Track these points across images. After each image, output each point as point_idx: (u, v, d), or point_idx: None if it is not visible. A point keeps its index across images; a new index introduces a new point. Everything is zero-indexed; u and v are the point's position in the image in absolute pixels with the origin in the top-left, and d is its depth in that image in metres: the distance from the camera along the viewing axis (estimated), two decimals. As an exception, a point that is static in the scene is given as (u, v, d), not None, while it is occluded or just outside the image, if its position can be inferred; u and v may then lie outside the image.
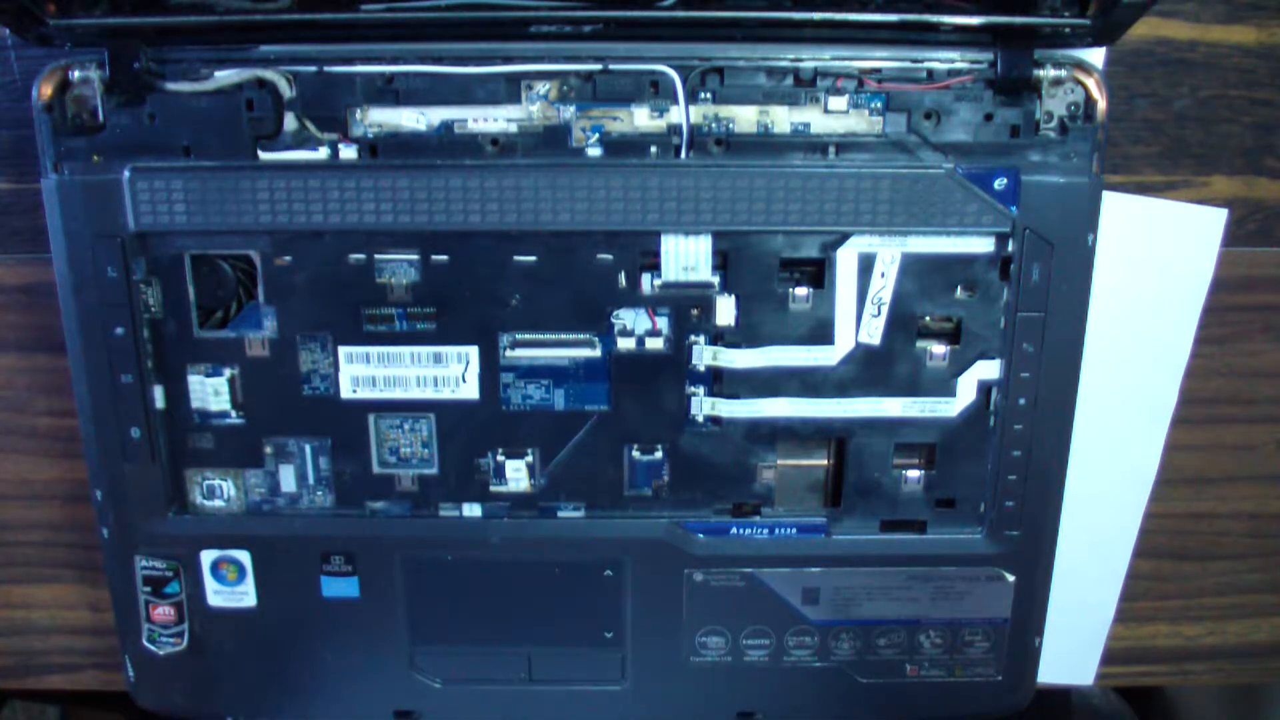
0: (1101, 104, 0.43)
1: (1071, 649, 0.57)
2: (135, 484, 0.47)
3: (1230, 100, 0.48)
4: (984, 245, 0.45)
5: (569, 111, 0.44)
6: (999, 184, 0.44)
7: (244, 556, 0.48)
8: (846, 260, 0.45)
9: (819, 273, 0.45)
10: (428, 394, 0.46)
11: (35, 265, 0.49)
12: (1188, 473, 0.54)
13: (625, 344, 0.46)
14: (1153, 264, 0.50)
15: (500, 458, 0.47)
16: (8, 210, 0.49)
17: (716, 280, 0.45)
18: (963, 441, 0.47)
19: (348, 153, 0.44)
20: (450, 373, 0.46)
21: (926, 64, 0.43)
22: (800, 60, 0.43)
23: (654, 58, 0.43)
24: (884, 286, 0.45)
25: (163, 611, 0.49)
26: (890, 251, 0.45)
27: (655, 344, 0.46)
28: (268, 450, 0.47)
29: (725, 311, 0.45)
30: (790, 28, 0.42)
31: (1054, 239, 0.44)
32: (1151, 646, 0.57)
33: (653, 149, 0.44)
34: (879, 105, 0.44)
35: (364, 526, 0.48)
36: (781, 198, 0.44)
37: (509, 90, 0.44)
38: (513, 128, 0.44)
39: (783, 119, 0.44)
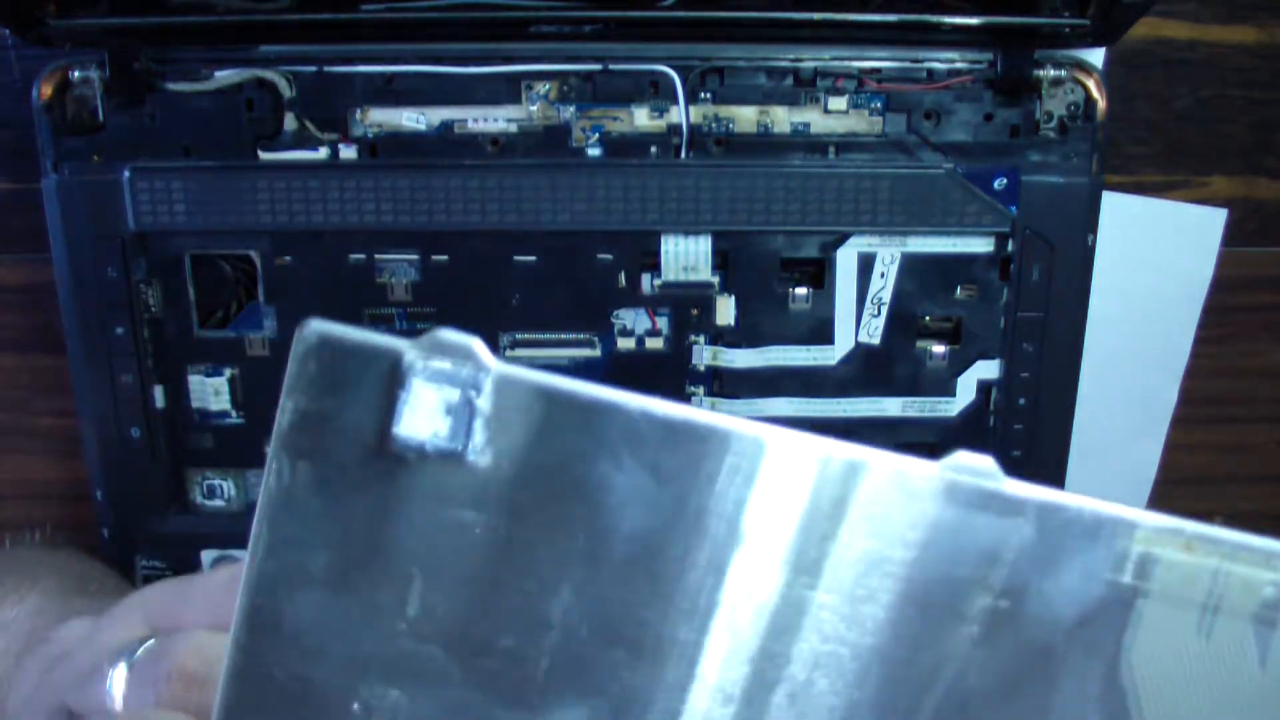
0: (1101, 104, 0.43)
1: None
2: (135, 484, 0.47)
3: (1230, 100, 0.48)
4: (984, 245, 0.45)
5: (569, 111, 0.44)
6: (999, 184, 0.44)
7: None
8: (846, 260, 0.45)
9: (819, 273, 0.45)
10: (428, 394, 0.46)
11: (35, 265, 0.49)
12: (1188, 473, 0.54)
13: (625, 344, 0.46)
14: (1153, 264, 0.50)
15: (500, 458, 0.47)
16: (8, 210, 0.49)
17: (716, 280, 0.45)
18: (962, 441, 0.46)
19: (348, 153, 0.44)
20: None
21: (926, 64, 0.43)
22: (800, 60, 0.43)
23: (654, 58, 0.43)
24: (884, 286, 0.45)
25: (163, 611, 0.49)
26: (890, 251, 0.45)
27: (655, 344, 0.46)
28: (268, 450, 0.47)
29: (725, 311, 0.45)
30: (790, 28, 0.42)
31: (1054, 239, 0.44)
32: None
33: (653, 149, 0.44)
34: (879, 105, 0.44)
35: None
36: (781, 198, 0.44)
37: (509, 90, 0.44)
38: (513, 128, 0.44)
39: (783, 119, 0.44)
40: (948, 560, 0.17)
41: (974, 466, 0.17)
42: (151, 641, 0.26)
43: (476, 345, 0.17)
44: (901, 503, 0.17)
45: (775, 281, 0.45)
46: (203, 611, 0.27)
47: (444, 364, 0.17)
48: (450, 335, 0.17)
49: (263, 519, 0.18)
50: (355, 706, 0.18)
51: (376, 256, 0.45)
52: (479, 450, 0.17)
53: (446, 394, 0.17)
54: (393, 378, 0.17)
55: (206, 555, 0.48)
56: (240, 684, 0.18)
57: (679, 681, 0.18)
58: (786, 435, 0.18)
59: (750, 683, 0.18)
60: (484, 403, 0.17)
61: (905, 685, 0.18)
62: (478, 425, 0.17)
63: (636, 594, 0.18)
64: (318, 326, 0.18)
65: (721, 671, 0.18)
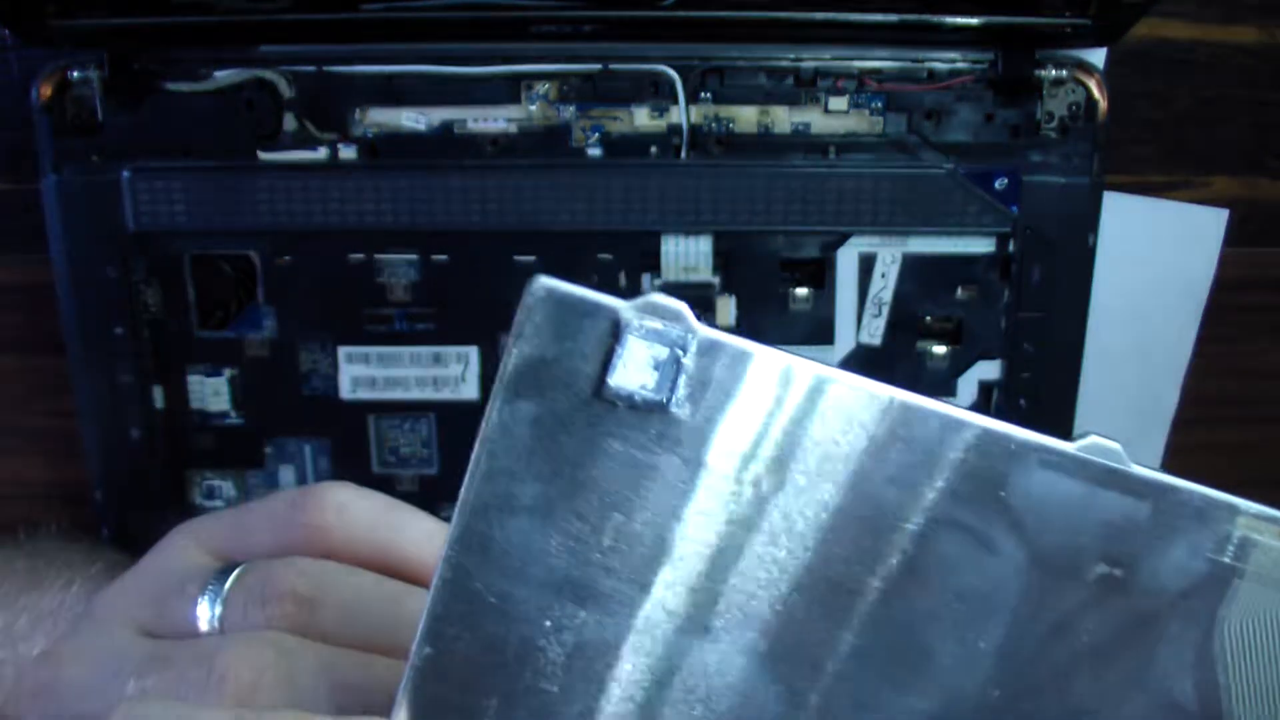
0: (1102, 104, 0.43)
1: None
2: (135, 484, 0.47)
3: (1231, 100, 0.48)
4: (985, 245, 0.45)
5: (569, 111, 0.44)
6: (999, 184, 0.44)
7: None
8: (847, 260, 0.45)
9: (819, 273, 0.45)
10: (428, 394, 0.46)
11: (35, 265, 0.49)
12: (1189, 473, 0.53)
13: (625, 344, 0.46)
14: (1154, 264, 0.50)
15: (500, 458, 0.47)
16: (8, 210, 0.49)
17: (717, 280, 0.45)
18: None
19: (347, 153, 0.44)
20: (450, 373, 0.46)
21: (927, 64, 0.43)
22: (800, 60, 0.43)
23: (654, 58, 0.43)
24: (884, 287, 0.45)
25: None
26: (891, 252, 0.45)
27: (655, 344, 0.46)
28: (268, 450, 0.47)
29: (726, 312, 0.45)
30: (790, 28, 0.42)
31: (1055, 239, 0.44)
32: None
33: (653, 149, 0.44)
34: (879, 105, 0.44)
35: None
36: (782, 198, 0.44)
37: (509, 90, 0.44)
38: (513, 128, 0.44)
39: (783, 119, 0.44)
40: (1074, 529, 0.20)
41: (1105, 447, 0.20)
42: (242, 567, 0.26)
43: (685, 310, 0.20)
44: (1038, 476, 0.20)
45: (776, 282, 0.45)
46: (266, 540, 0.27)
47: (657, 324, 0.19)
48: (664, 299, 0.20)
49: (481, 450, 0.20)
50: (547, 623, 0.20)
51: (376, 256, 0.45)
52: (680, 403, 0.19)
53: (657, 351, 0.19)
54: (610, 333, 0.19)
55: (206, 556, 0.48)
56: (448, 595, 0.20)
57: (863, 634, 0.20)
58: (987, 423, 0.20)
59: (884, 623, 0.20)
60: (689, 361, 0.19)
61: (1026, 639, 0.20)
62: (682, 380, 0.19)
63: (818, 542, 0.20)
64: (545, 281, 0.20)
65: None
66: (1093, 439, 0.20)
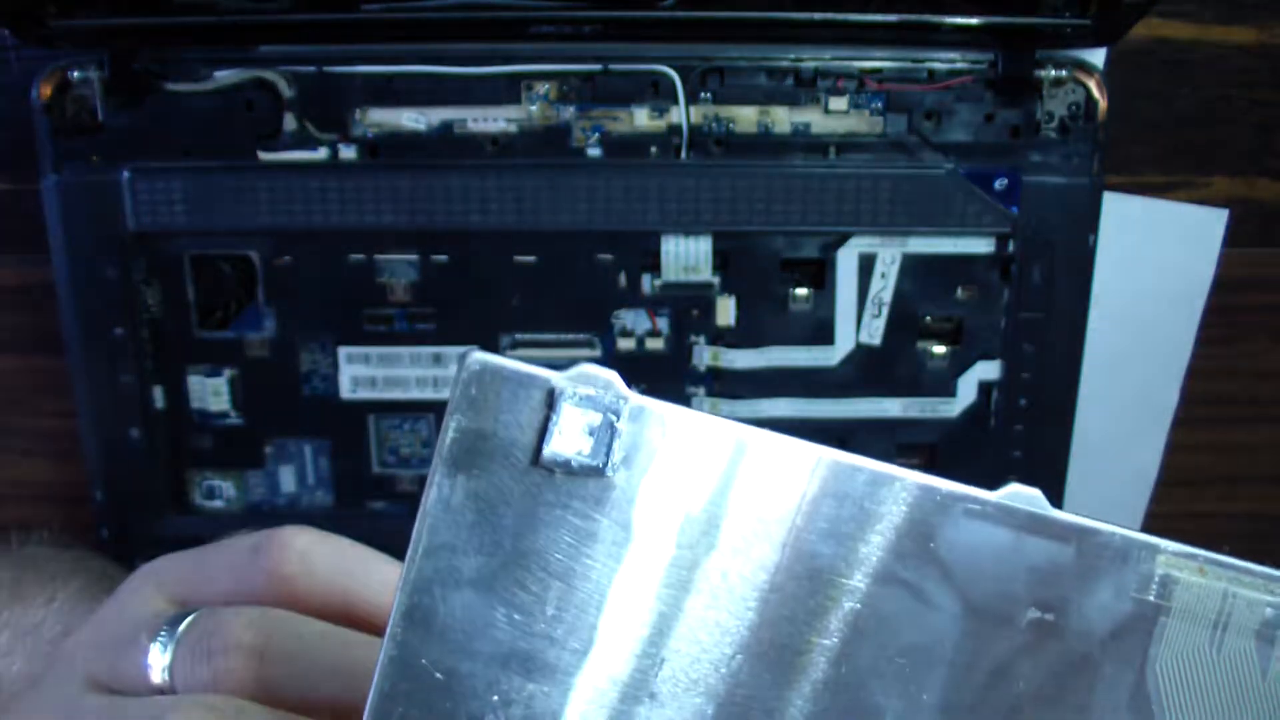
0: (1102, 104, 0.43)
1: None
2: (135, 484, 0.47)
3: (1231, 100, 0.48)
4: (985, 246, 0.45)
5: (569, 111, 0.44)
6: (1000, 184, 0.44)
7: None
8: (847, 261, 0.45)
9: (819, 273, 0.45)
10: (428, 394, 0.46)
11: (35, 265, 0.49)
12: (1189, 474, 0.54)
13: (625, 344, 0.46)
14: (1154, 264, 0.50)
15: (500, 458, 0.47)
16: (7, 210, 0.49)
17: (717, 281, 0.45)
18: (963, 442, 0.47)
19: (348, 153, 0.44)
20: (450, 373, 0.46)
21: (927, 64, 0.43)
22: (800, 60, 0.43)
23: (654, 58, 0.43)
24: (884, 287, 0.45)
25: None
26: (891, 252, 0.45)
27: (655, 344, 0.46)
28: (268, 450, 0.47)
29: (725, 312, 0.45)
30: (790, 28, 0.42)
31: (1055, 239, 0.44)
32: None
33: (653, 149, 0.44)
34: (879, 105, 0.44)
35: (364, 527, 0.48)
36: (782, 198, 0.44)
37: (509, 90, 0.44)
38: (513, 128, 0.44)
39: (783, 119, 0.44)
40: (1004, 576, 0.20)
41: (1026, 494, 0.20)
42: (193, 615, 0.26)
43: (615, 378, 0.20)
44: (965, 526, 0.20)
45: (776, 282, 0.45)
46: (226, 583, 0.26)
47: (590, 390, 0.20)
48: (595, 369, 0.20)
49: (422, 525, 0.20)
50: (494, 698, 0.20)
51: (376, 256, 0.45)
52: (616, 468, 0.20)
53: (591, 417, 0.20)
54: (545, 402, 0.20)
55: (206, 556, 0.48)
56: (393, 673, 0.20)
57: (798, 692, 0.20)
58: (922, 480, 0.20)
59: (811, 681, 0.20)
60: (623, 425, 0.20)
61: (967, 690, 0.20)
62: (616, 445, 0.20)
63: (759, 603, 0.20)
64: (480, 356, 0.20)
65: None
66: (1013, 488, 0.20)
